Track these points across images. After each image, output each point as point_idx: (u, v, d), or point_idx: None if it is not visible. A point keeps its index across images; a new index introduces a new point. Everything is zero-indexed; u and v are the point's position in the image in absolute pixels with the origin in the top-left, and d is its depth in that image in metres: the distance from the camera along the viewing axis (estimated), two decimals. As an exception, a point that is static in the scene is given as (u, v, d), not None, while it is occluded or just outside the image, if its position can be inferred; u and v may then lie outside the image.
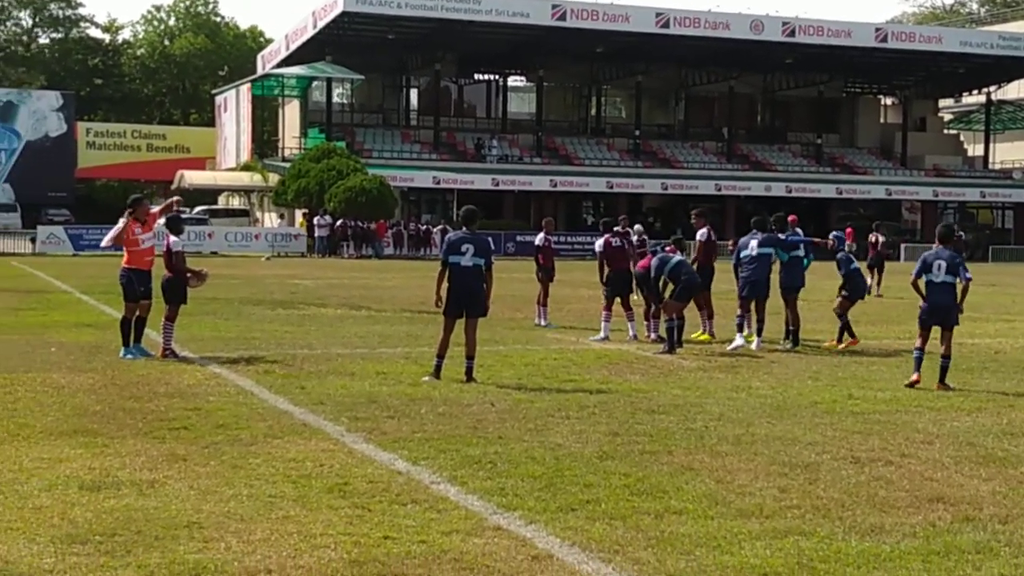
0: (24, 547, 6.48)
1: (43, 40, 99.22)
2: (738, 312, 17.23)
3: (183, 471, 8.40)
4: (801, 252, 18.19)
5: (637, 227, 24.14)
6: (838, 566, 6.38)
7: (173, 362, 14.38)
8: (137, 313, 14.93)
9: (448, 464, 8.76)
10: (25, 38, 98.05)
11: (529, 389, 12.64)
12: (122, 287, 14.98)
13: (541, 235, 21.28)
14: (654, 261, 17.37)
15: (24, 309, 21.68)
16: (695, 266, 17.89)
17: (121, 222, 15.09)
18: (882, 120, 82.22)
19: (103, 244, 15.93)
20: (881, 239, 33.26)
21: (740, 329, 17.02)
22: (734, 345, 16.80)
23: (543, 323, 20.11)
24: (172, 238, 15.10)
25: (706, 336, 18.18)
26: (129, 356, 14.57)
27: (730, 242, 20.21)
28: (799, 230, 26.13)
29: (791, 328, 17.52)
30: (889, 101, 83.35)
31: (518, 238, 57.46)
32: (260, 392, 12.10)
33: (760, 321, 17.44)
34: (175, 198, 16.42)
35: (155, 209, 15.66)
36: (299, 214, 57.92)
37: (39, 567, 6.14)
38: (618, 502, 7.69)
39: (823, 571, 6.29)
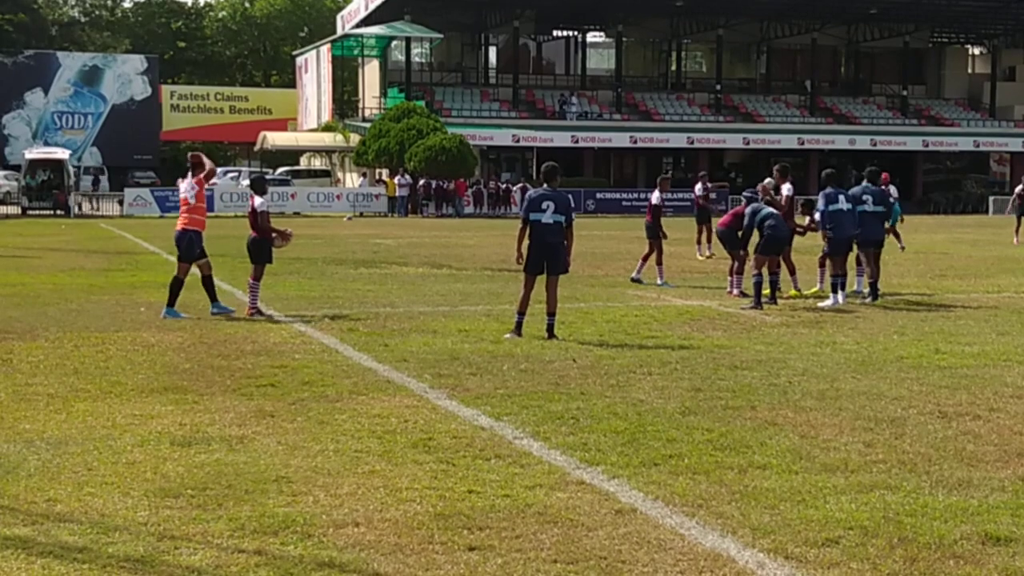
0: (119, 500, 6.65)
1: (127, 4, 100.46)
2: (832, 272, 17.02)
3: (271, 427, 8.55)
4: (869, 207, 17.72)
5: (768, 180, 23.82)
6: (925, 520, 6.32)
7: (259, 321, 14.59)
8: (201, 273, 15.09)
9: (531, 420, 8.81)
10: (109, 3, 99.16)
11: (610, 346, 12.65)
12: (183, 248, 15.06)
13: (656, 193, 20.83)
14: (748, 210, 17.17)
15: (113, 270, 22.12)
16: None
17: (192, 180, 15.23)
18: (970, 70, 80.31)
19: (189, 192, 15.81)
20: None
21: (834, 289, 16.80)
22: (828, 303, 16.62)
23: (659, 282, 19.70)
24: (257, 199, 15.27)
25: (794, 292, 18.00)
26: (169, 316, 14.70)
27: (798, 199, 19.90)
28: (892, 187, 26.27)
29: (870, 281, 17.32)
30: (977, 51, 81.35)
31: (598, 195, 57.26)
32: (344, 350, 12.25)
33: (844, 276, 17.24)
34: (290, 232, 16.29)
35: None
36: (384, 174, 58.15)
37: (134, 519, 6.30)
38: (701, 457, 7.69)
39: (909, 525, 6.24)
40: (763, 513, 6.47)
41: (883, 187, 25.36)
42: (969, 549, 5.88)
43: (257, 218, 15.26)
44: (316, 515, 6.39)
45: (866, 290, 17.54)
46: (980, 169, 72.69)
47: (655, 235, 20.19)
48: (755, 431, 8.48)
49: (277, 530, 6.13)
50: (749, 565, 5.68)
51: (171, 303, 14.90)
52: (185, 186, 15.19)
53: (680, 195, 57.05)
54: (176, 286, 14.97)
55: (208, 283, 15.15)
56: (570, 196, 14.26)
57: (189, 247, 15.02)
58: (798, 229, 18.27)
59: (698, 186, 27.73)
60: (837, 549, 5.88)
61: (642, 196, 53.22)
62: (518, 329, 13.13)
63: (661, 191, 20.83)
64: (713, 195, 29.31)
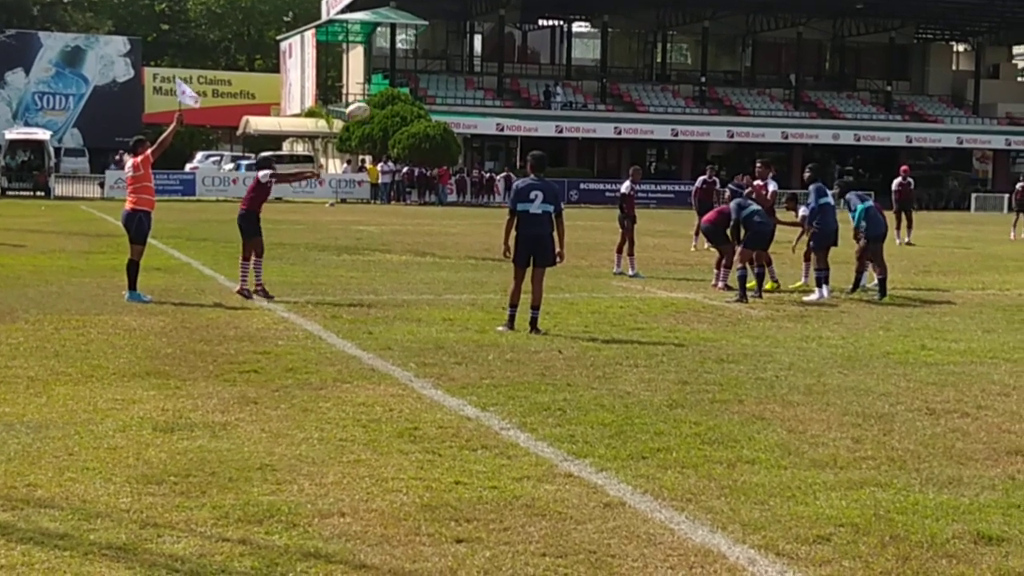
0: (101, 486, 6.55)
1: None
2: (816, 266, 17.06)
3: (254, 414, 8.45)
4: (869, 202, 17.90)
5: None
6: (916, 518, 6.27)
7: (242, 305, 14.48)
8: (131, 257, 14.97)
9: (517, 410, 8.73)
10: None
11: (596, 337, 12.58)
12: (132, 229, 14.94)
13: (627, 183, 20.85)
14: (733, 204, 17.14)
15: (95, 252, 21.93)
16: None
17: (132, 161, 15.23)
18: (954, 67, 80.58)
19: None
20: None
21: (819, 284, 16.81)
22: (814, 297, 16.63)
23: (631, 272, 19.77)
24: (260, 172, 15.75)
25: (772, 284, 17.96)
26: (133, 300, 14.57)
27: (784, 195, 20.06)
28: (911, 179, 28.18)
29: (879, 277, 17.25)
30: (961, 47, 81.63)
31: (581, 186, 57.18)
32: (328, 337, 12.15)
33: (828, 269, 17.21)
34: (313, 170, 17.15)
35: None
36: (367, 161, 57.95)
37: (116, 506, 6.21)
38: (689, 451, 7.63)
39: (901, 523, 6.19)
40: (753, 508, 6.42)
41: (902, 179, 27.33)
42: (961, 548, 5.83)
43: (255, 192, 15.62)
44: (301, 504, 6.30)
45: (870, 284, 17.54)
46: (963, 166, 72.92)
47: (634, 223, 20.25)
48: (743, 425, 8.43)
49: (261, 519, 6.03)
50: (740, 561, 5.62)
51: (132, 287, 14.80)
52: (128, 165, 15.16)
53: (664, 187, 57.38)
54: (132, 269, 14.87)
55: (133, 268, 14.95)
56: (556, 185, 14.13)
57: (139, 228, 14.93)
58: (787, 225, 18.28)
59: (700, 178, 27.63)
60: (829, 546, 5.83)
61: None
62: (511, 322, 12.90)
63: (632, 181, 20.86)
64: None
